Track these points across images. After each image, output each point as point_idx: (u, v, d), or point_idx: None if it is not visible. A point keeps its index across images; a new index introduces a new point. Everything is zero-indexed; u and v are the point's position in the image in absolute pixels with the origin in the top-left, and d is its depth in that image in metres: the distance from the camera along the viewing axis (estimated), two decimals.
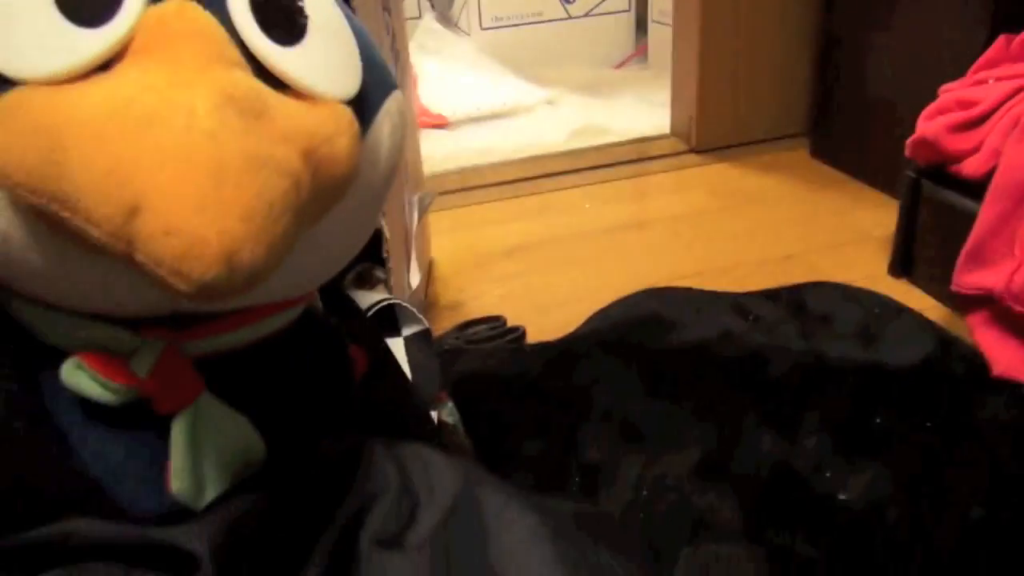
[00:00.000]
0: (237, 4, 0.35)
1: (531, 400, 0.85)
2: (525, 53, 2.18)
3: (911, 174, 1.02)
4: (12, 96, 0.31)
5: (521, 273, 1.16)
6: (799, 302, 1.01)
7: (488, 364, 0.91)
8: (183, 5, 0.34)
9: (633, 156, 1.60)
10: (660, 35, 2.08)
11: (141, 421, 0.39)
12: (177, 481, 0.39)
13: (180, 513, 0.39)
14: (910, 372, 0.85)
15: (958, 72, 1.02)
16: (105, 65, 0.32)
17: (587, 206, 1.39)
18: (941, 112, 0.97)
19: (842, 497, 0.70)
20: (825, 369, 0.86)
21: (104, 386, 0.37)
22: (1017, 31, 0.97)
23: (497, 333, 0.99)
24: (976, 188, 0.90)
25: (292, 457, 0.41)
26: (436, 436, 0.63)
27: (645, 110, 1.84)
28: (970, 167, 0.91)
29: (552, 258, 1.21)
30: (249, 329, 0.42)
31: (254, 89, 0.34)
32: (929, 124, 0.96)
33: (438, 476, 0.43)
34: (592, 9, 2.22)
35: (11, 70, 0.31)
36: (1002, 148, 0.87)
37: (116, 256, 0.31)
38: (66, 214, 0.31)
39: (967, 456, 0.74)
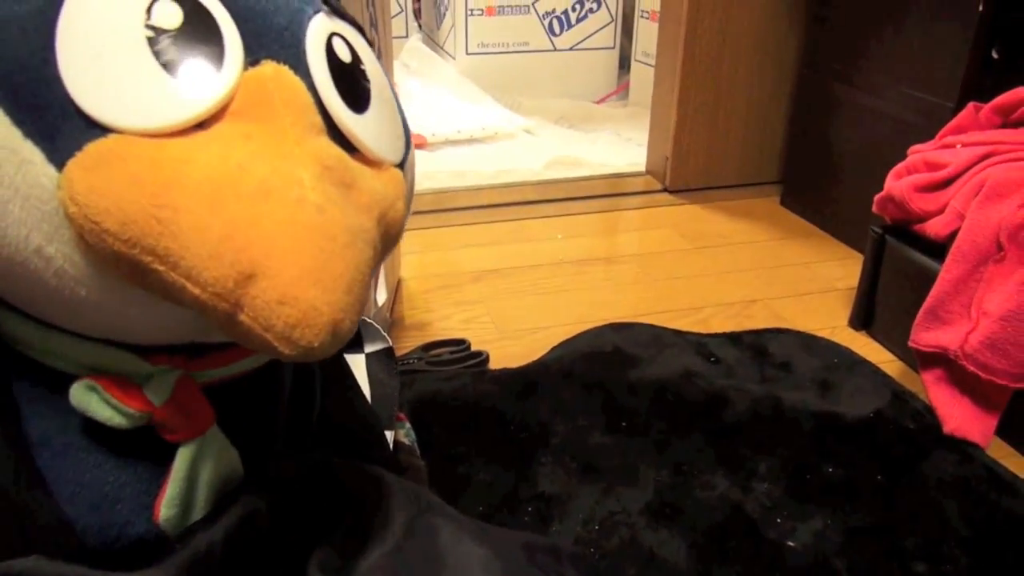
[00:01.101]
0: (319, 71, 0.36)
1: (488, 426, 0.85)
2: (508, 81, 2.20)
3: (876, 230, 1.04)
4: (107, 143, 0.30)
5: (488, 298, 1.16)
6: (760, 347, 1.03)
7: (448, 387, 0.90)
8: (279, 70, 0.34)
9: (607, 191, 1.62)
10: (642, 74, 2.11)
11: (136, 448, 0.38)
12: (167, 509, 0.38)
13: (146, 545, 0.38)
14: (863, 424, 0.87)
15: (927, 135, 1.05)
16: (201, 122, 0.32)
17: (559, 236, 1.40)
18: (909, 171, 1.00)
19: (791, 543, 0.70)
20: (782, 415, 0.87)
21: (118, 410, 0.36)
22: (985, 100, 1.01)
23: (460, 356, 0.99)
24: (938, 248, 0.93)
25: (258, 483, 0.41)
26: (392, 457, 0.62)
27: (622, 146, 1.87)
28: (934, 228, 0.94)
29: (520, 286, 1.21)
30: (251, 359, 0.42)
31: (343, 160, 0.35)
32: (897, 183, 0.99)
33: (392, 501, 0.43)
34: (578, 43, 2.26)
35: (107, 117, 0.31)
36: (965, 212, 0.89)
37: (209, 314, 0.31)
38: (160, 267, 0.30)
39: (914, 511, 0.75)
